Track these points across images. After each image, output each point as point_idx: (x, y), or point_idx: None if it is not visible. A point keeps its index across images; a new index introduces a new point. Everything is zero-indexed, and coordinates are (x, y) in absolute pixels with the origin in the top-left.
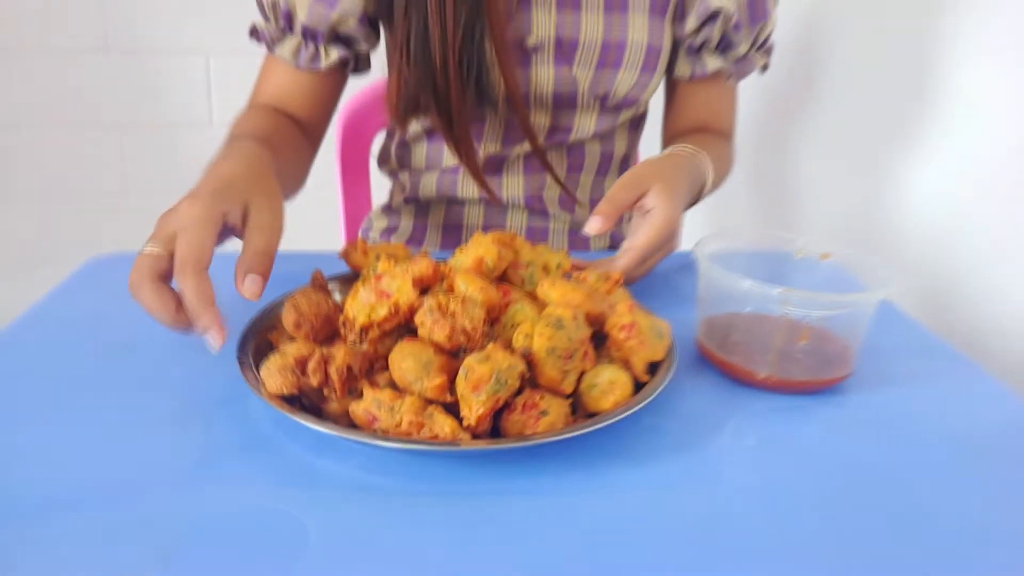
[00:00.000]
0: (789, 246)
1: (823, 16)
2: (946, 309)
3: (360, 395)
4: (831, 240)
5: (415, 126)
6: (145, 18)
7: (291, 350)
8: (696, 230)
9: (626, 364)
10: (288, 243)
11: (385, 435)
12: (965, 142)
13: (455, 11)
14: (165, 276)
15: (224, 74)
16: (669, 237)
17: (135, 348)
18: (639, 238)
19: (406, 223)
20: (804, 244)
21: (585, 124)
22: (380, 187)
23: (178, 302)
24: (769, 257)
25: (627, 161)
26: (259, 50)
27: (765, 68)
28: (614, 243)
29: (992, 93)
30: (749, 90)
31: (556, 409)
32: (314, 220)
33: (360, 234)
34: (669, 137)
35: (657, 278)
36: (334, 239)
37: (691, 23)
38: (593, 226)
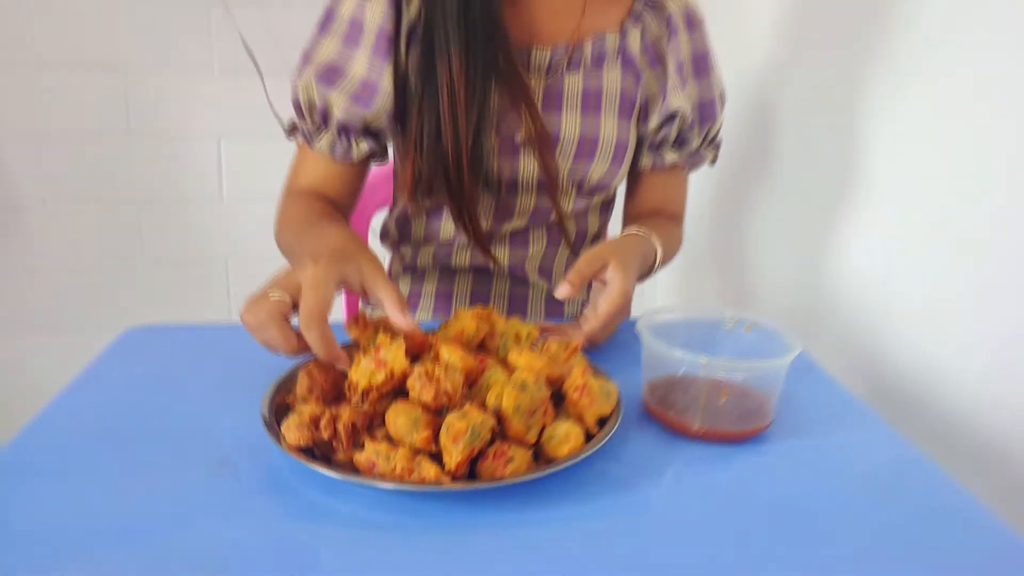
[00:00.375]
0: (720, 317)
1: (772, 114)
2: (868, 364)
3: (362, 447)
4: (774, 307)
5: (412, 206)
6: (164, 105)
7: (307, 410)
8: (671, 296)
9: (579, 419)
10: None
11: (383, 479)
12: (887, 222)
13: (467, 113)
14: (287, 317)
15: (234, 156)
16: (625, 305)
17: (173, 408)
18: (601, 306)
19: (403, 290)
20: (731, 316)
21: (562, 207)
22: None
23: (297, 336)
24: (705, 325)
25: (598, 238)
26: (266, 137)
27: (714, 161)
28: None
29: (905, 181)
30: (713, 178)
31: (521, 456)
32: None
33: (360, 303)
34: (629, 217)
35: (616, 345)
36: (336, 308)
37: (653, 123)
38: (562, 291)
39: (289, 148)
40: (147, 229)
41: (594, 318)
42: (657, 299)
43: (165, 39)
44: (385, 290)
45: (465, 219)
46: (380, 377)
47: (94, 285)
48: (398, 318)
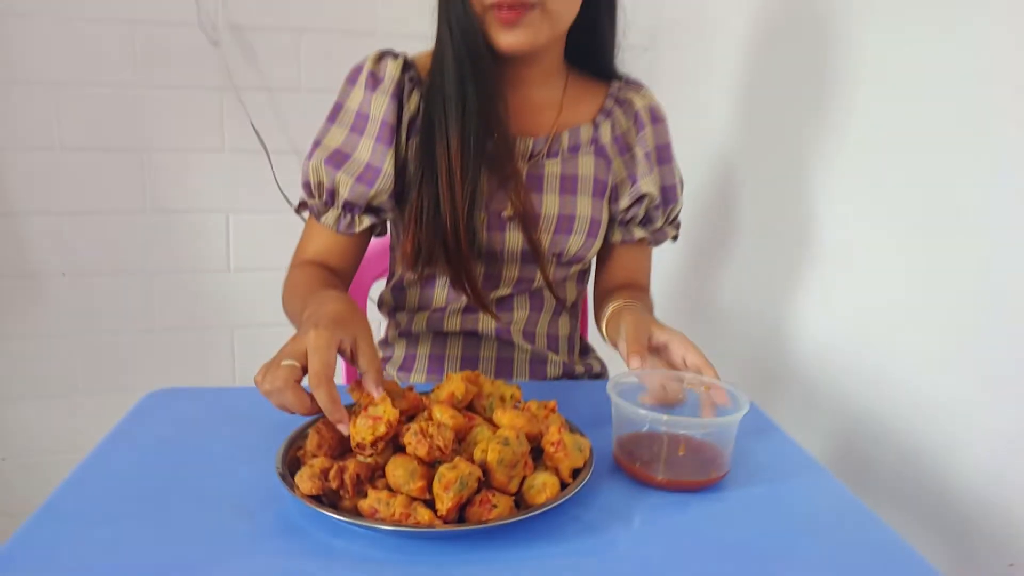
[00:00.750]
0: (679, 379)
1: (732, 191)
2: (826, 421)
3: (365, 495)
4: (740, 368)
5: (411, 275)
6: (178, 183)
7: (317, 463)
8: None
9: (555, 470)
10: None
11: (383, 522)
12: (841, 291)
13: (462, 192)
14: (299, 381)
15: (241, 229)
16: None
17: (196, 463)
18: (693, 357)
19: (399, 353)
20: (690, 379)
21: (543, 276)
22: (374, 325)
23: (310, 398)
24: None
25: (575, 306)
26: (271, 212)
27: (675, 238)
28: (566, 371)
29: (858, 252)
30: (683, 250)
31: (504, 503)
32: None
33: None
34: (602, 288)
35: (589, 404)
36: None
37: (623, 203)
38: (635, 363)
39: (291, 222)
40: (158, 298)
41: (701, 361)
42: None
43: (180, 123)
44: (367, 360)
45: (463, 283)
46: (381, 429)
47: (109, 351)
48: (371, 387)
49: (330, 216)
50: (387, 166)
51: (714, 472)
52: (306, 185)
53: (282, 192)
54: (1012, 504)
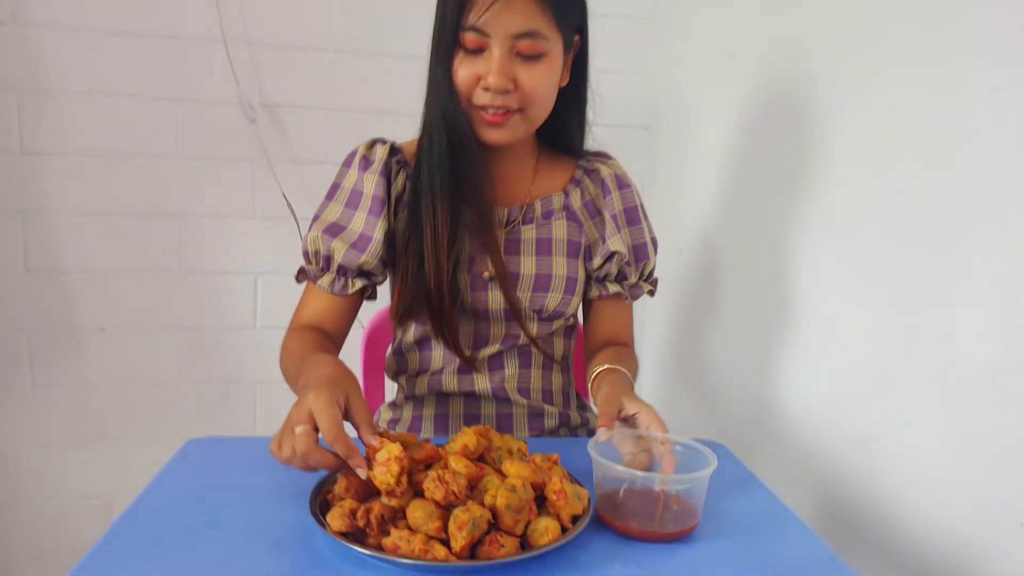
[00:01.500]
0: (652, 438)
1: (715, 253)
2: (806, 476)
3: (388, 533)
4: (726, 424)
5: (409, 338)
6: (211, 246)
7: (346, 504)
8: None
9: (557, 516)
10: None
11: (404, 557)
12: (821, 352)
13: (447, 255)
14: (317, 441)
15: (268, 289)
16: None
17: (234, 504)
18: (656, 428)
19: (406, 415)
20: (660, 437)
21: (528, 332)
22: (390, 385)
23: (331, 453)
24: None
25: (565, 360)
26: (294, 279)
27: (652, 293)
28: (563, 422)
29: (836, 314)
30: (671, 310)
31: (511, 544)
32: None
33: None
34: (588, 344)
35: (586, 460)
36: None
37: (596, 261)
38: (603, 435)
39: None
40: (188, 353)
41: (660, 429)
42: None
43: (216, 191)
44: (359, 414)
45: (444, 334)
46: (395, 468)
47: (140, 401)
48: (368, 438)
49: (325, 280)
50: (377, 234)
51: (687, 524)
52: (305, 254)
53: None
54: (987, 564)
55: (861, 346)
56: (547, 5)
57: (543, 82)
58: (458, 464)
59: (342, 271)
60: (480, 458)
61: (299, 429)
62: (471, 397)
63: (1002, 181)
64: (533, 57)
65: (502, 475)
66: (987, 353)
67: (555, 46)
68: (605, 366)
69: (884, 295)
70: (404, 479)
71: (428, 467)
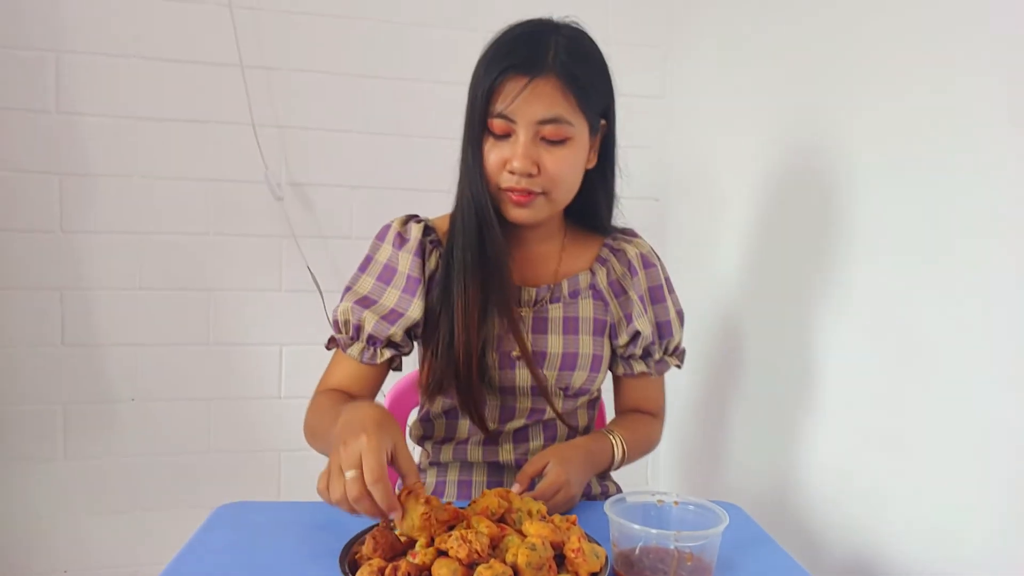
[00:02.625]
0: (666, 499)
1: (737, 327)
2: (824, 540)
3: None
4: (749, 492)
5: (437, 408)
6: (240, 319)
7: (375, 563)
8: (670, 478)
9: (576, 573)
10: None
11: None
12: (839, 422)
13: (476, 334)
14: (366, 487)
15: (292, 360)
16: (556, 490)
17: (266, 565)
18: (537, 488)
19: (431, 480)
20: (665, 496)
21: (553, 407)
22: (412, 451)
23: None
24: (657, 507)
25: (588, 431)
26: (321, 345)
27: (679, 365)
28: (584, 492)
29: (852, 387)
30: (696, 383)
31: None
32: None
33: (396, 489)
34: (616, 411)
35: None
36: None
37: (622, 340)
38: (515, 489)
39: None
40: (215, 422)
41: (531, 493)
42: (660, 481)
43: (244, 266)
44: (405, 463)
45: (471, 409)
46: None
47: (169, 471)
48: (414, 486)
49: (355, 348)
50: (411, 312)
51: None
52: (335, 323)
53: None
54: None
55: (877, 414)
56: (571, 92)
57: (566, 166)
58: (480, 524)
59: (371, 340)
60: (501, 519)
61: (350, 474)
62: (495, 467)
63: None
64: (557, 142)
65: (522, 535)
66: (999, 416)
67: (580, 131)
68: (604, 428)
69: (903, 365)
70: (427, 529)
71: (451, 528)
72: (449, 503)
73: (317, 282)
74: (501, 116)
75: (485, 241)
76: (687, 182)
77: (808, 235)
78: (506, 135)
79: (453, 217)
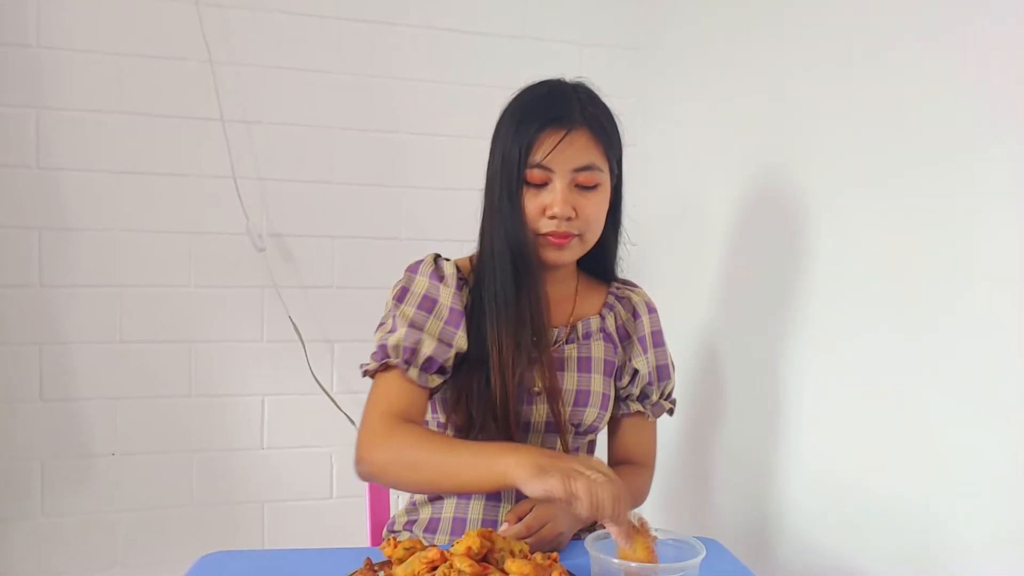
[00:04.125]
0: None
1: (718, 367)
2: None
3: None
4: (732, 530)
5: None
6: (221, 370)
7: None
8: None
9: None
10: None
11: None
12: (815, 461)
13: (513, 374)
14: None
15: (274, 410)
16: (543, 523)
17: None
18: (523, 522)
19: (424, 515)
20: (652, 533)
21: (561, 446)
22: (395, 496)
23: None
24: None
25: None
26: (303, 395)
27: (671, 412)
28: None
29: (830, 427)
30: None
31: None
32: (350, 521)
33: (385, 529)
34: (611, 459)
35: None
36: (362, 539)
37: (624, 381)
38: (502, 528)
39: (320, 403)
40: (197, 475)
41: (514, 528)
42: (643, 511)
43: (225, 317)
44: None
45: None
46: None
47: (150, 526)
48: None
49: (414, 372)
50: (458, 342)
51: None
52: (382, 348)
53: (314, 376)
54: None
55: (853, 449)
56: (600, 141)
57: (599, 209)
58: (463, 563)
59: (427, 364)
60: (484, 559)
61: (599, 477)
62: (492, 499)
63: (991, 266)
64: (590, 187)
65: (504, 573)
66: (972, 446)
67: (606, 176)
68: None
69: (878, 400)
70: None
71: (434, 569)
72: (433, 545)
73: (299, 332)
74: (539, 167)
75: (522, 285)
76: (663, 226)
77: (786, 275)
78: (543, 184)
79: (482, 261)
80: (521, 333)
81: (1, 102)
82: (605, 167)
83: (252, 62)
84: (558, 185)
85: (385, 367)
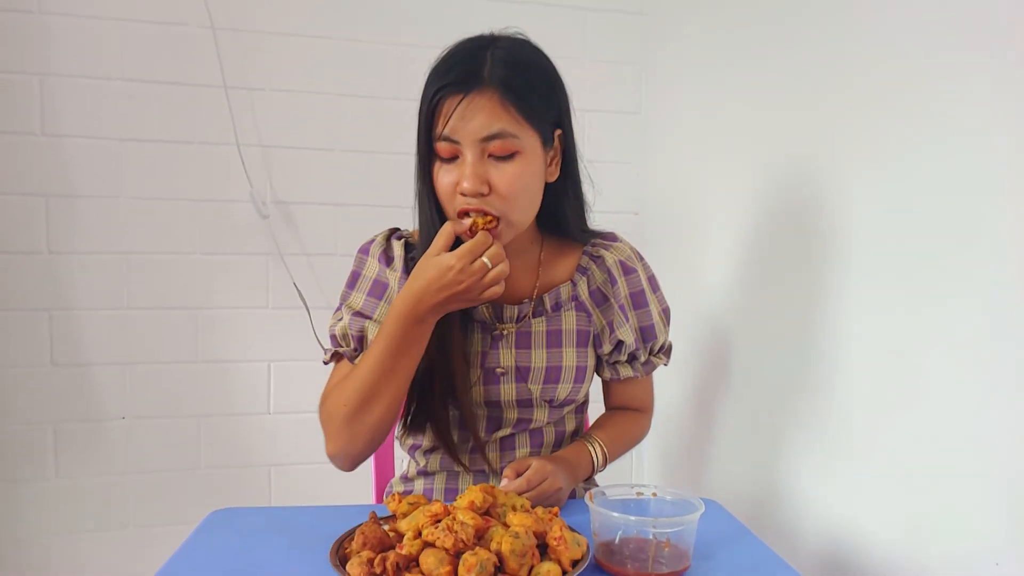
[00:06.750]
0: (643, 489)
1: (725, 331)
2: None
3: None
4: (733, 489)
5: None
6: (227, 336)
7: (364, 554)
8: (654, 474)
9: (558, 560)
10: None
11: None
12: (825, 430)
13: (461, 355)
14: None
15: (280, 375)
16: (543, 478)
17: (259, 563)
18: (523, 477)
19: (418, 487)
20: (644, 488)
21: (540, 416)
22: (400, 461)
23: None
24: (636, 499)
25: (576, 434)
26: (308, 360)
27: (667, 363)
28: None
29: (833, 383)
30: (686, 383)
31: None
32: (354, 483)
33: (385, 493)
34: (606, 407)
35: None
36: (367, 496)
37: (606, 349)
38: (503, 482)
39: (326, 368)
40: (205, 439)
41: (515, 483)
42: (644, 475)
43: (231, 284)
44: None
45: (443, 441)
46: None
47: (159, 488)
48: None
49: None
50: None
51: (678, 565)
52: (333, 338)
53: (319, 342)
54: None
55: (859, 415)
56: (511, 104)
57: (517, 182)
58: (465, 516)
59: None
60: (486, 513)
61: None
62: (480, 474)
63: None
64: (505, 157)
65: (507, 527)
66: (980, 416)
67: (528, 143)
68: (583, 436)
69: (884, 367)
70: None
71: (438, 522)
72: (436, 501)
73: (304, 299)
74: (445, 139)
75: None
76: (666, 196)
77: (788, 242)
78: (454, 157)
79: (418, 242)
80: (469, 314)
81: (4, 68)
82: (524, 132)
83: (254, 28)
84: (468, 157)
85: (337, 356)
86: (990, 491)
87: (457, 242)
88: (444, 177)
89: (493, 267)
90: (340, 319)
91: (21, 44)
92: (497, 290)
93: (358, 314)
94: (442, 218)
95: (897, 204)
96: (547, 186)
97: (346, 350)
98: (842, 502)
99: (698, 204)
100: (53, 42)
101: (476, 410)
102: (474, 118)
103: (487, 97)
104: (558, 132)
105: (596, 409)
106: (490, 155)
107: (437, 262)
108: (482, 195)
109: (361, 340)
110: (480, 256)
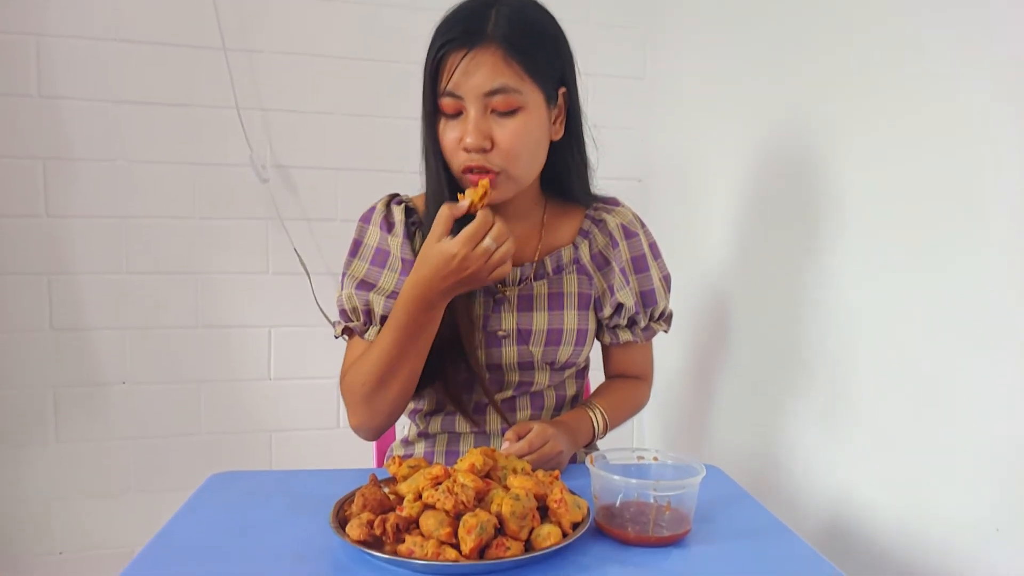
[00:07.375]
0: (644, 454)
1: (726, 296)
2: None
3: (403, 540)
4: (734, 454)
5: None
6: (227, 302)
7: (364, 516)
8: (656, 439)
9: (558, 523)
10: (340, 464)
11: (419, 560)
12: (821, 394)
13: (466, 315)
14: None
15: (281, 342)
16: (544, 441)
17: (257, 526)
18: (524, 440)
19: (419, 450)
20: (645, 452)
21: (541, 379)
22: (400, 427)
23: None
24: (636, 464)
25: (576, 399)
26: (309, 327)
27: (667, 330)
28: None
29: (834, 353)
30: (686, 349)
31: (516, 547)
32: (355, 448)
33: (386, 457)
34: (607, 375)
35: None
36: (368, 460)
37: (606, 312)
38: (504, 445)
39: (326, 335)
40: (205, 404)
41: (516, 446)
42: (645, 442)
43: (231, 249)
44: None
45: (458, 399)
46: (421, 480)
47: (160, 453)
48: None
49: (372, 332)
50: None
51: (678, 529)
52: (343, 312)
53: (320, 308)
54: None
55: (859, 385)
56: (514, 60)
57: (519, 138)
58: (466, 478)
59: (384, 321)
60: (487, 475)
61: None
62: (481, 436)
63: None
64: (508, 113)
65: (507, 489)
66: (969, 387)
67: (532, 99)
68: (583, 403)
69: (884, 339)
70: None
71: (438, 484)
72: (438, 463)
73: (304, 264)
74: (449, 94)
75: (459, 226)
76: (670, 162)
77: (792, 212)
78: (458, 113)
79: (426, 201)
80: None
81: (0, 29)
82: (530, 89)
83: None
84: (471, 112)
85: (349, 331)
86: (991, 457)
87: (459, 225)
88: (448, 133)
89: (498, 247)
90: (347, 293)
91: (17, 3)
92: (505, 269)
93: (362, 283)
94: (448, 175)
95: (899, 169)
96: (552, 146)
97: (356, 325)
98: (843, 468)
99: (702, 171)
100: (50, 2)
101: (479, 372)
102: (476, 73)
103: (490, 52)
104: (562, 90)
105: (596, 376)
106: (493, 111)
107: (440, 249)
108: (484, 150)
109: (369, 313)
110: (483, 238)
